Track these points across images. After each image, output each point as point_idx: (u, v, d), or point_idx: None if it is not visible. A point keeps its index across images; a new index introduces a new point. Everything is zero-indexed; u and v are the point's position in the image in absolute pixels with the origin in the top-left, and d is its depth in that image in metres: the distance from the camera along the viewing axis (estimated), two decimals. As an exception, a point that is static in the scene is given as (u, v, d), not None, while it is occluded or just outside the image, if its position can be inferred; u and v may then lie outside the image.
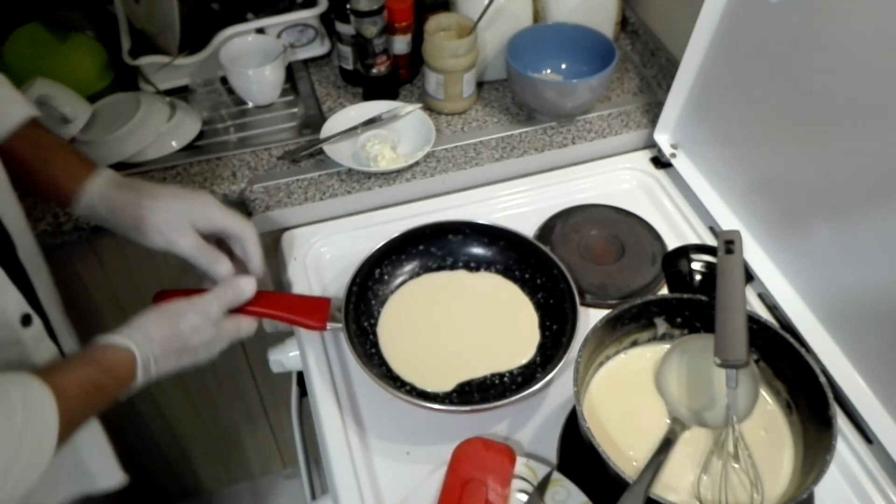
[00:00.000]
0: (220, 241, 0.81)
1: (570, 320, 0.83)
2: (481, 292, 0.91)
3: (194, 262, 0.78)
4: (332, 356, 0.86)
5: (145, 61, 1.12)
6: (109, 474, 0.88)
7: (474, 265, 0.93)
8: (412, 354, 0.84)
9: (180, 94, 1.16)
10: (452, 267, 0.93)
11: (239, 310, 0.78)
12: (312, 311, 0.82)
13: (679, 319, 0.77)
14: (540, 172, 1.08)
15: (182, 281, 1.16)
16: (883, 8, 0.67)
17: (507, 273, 0.92)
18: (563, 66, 1.15)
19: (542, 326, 0.86)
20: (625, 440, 0.72)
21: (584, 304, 0.91)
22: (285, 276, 0.96)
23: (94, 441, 0.86)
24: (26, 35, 1.14)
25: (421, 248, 0.93)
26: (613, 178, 1.08)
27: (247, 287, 0.78)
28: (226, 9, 1.21)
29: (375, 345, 0.86)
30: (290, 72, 1.21)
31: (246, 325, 0.78)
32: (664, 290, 0.90)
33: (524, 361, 0.83)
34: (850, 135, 0.75)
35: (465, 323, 0.88)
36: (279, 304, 0.81)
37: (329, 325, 0.81)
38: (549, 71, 1.15)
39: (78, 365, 0.66)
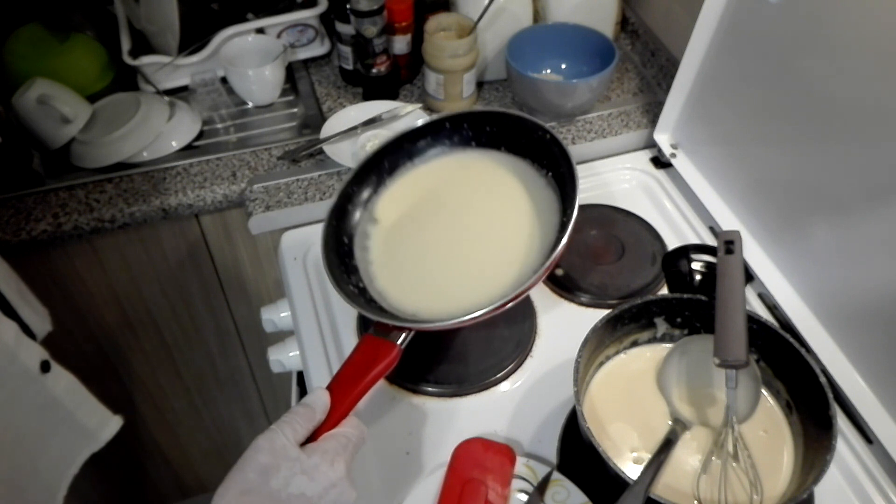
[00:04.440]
0: None
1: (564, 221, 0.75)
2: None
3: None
4: (332, 356, 0.86)
5: (145, 61, 1.12)
6: (107, 426, 0.92)
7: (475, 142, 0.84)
8: (405, 280, 0.77)
9: (180, 94, 1.16)
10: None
11: (326, 425, 0.62)
12: (377, 353, 0.67)
13: (679, 319, 0.77)
14: (540, 172, 1.08)
15: (182, 280, 1.16)
16: (883, 8, 0.67)
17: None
18: (563, 66, 1.15)
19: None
20: (625, 440, 0.72)
21: (583, 304, 0.91)
22: (285, 276, 0.96)
23: (84, 404, 0.90)
24: (26, 35, 1.14)
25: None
26: (613, 178, 1.08)
27: (314, 395, 0.62)
28: (226, 9, 1.21)
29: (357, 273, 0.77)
30: (290, 72, 1.21)
31: (348, 431, 0.61)
32: (664, 290, 0.90)
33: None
34: (850, 135, 0.75)
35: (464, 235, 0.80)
36: (354, 379, 0.64)
37: (398, 341, 0.68)
38: (549, 71, 1.15)
39: None
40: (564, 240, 0.70)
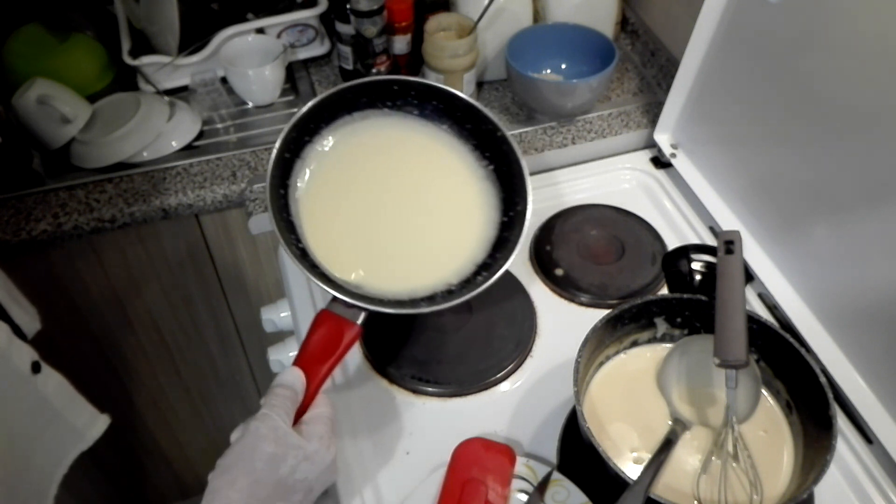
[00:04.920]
0: None
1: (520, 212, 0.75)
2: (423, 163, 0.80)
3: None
4: (332, 356, 0.86)
5: (145, 61, 1.12)
6: (94, 425, 0.92)
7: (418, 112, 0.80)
8: (338, 242, 0.74)
9: (180, 94, 1.16)
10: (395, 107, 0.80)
11: (303, 405, 0.64)
12: (338, 332, 0.67)
13: (679, 319, 0.77)
14: (540, 172, 1.08)
15: (182, 280, 1.16)
16: (883, 8, 0.67)
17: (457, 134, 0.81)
18: (563, 66, 1.15)
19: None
20: (625, 440, 0.72)
21: (583, 304, 0.91)
22: (285, 276, 0.96)
23: (73, 404, 0.90)
24: (26, 35, 1.14)
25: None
26: (613, 178, 1.08)
27: (291, 375, 0.63)
28: (226, 9, 1.21)
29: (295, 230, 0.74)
30: (290, 72, 1.21)
31: (326, 410, 0.64)
32: (664, 290, 0.90)
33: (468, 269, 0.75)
34: (850, 135, 0.75)
35: (401, 206, 0.77)
36: (320, 359, 0.66)
37: (359, 320, 0.68)
38: (549, 71, 1.15)
39: None
40: (521, 239, 0.73)
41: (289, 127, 0.73)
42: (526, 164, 0.76)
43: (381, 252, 0.76)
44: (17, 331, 0.83)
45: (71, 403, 0.89)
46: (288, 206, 0.74)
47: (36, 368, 0.83)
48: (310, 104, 0.75)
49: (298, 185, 0.76)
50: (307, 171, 0.77)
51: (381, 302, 0.71)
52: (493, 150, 0.79)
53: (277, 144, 0.72)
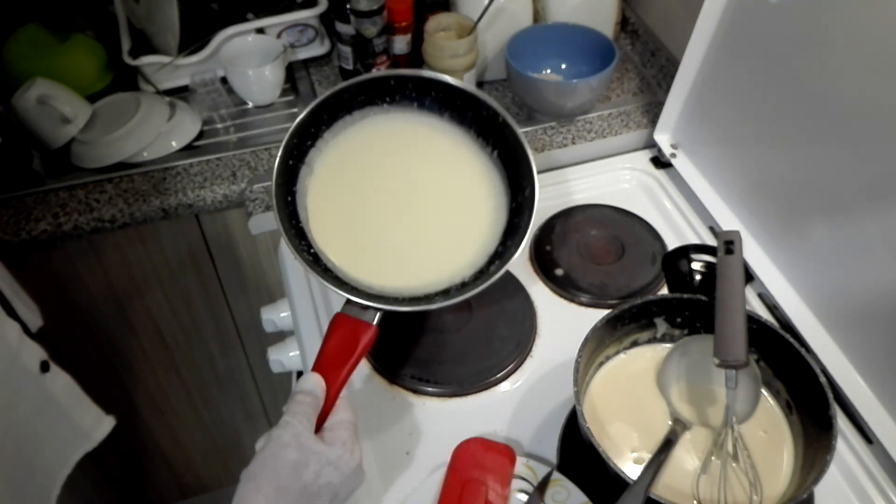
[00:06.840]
0: None
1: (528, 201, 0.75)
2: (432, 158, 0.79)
3: None
4: (332, 356, 0.86)
5: (145, 61, 1.12)
6: (100, 425, 0.93)
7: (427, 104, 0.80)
8: (349, 243, 0.74)
9: (180, 94, 1.16)
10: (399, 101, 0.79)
11: (324, 411, 0.64)
12: (355, 334, 0.67)
13: (679, 319, 0.77)
14: (540, 172, 1.08)
15: (182, 280, 1.16)
16: (883, 8, 0.67)
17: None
18: (563, 66, 1.15)
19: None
20: (625, 440, 0.72)
21: (583, 304, 0.91)
22: (285, 276, 0.96)
23: (79, 405, 0.91)
24: (26, 35, 1.14)
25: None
26: (613, 178, 1.08)
27: (310, 381, 0.64)
28: (226, 9, 1.21)
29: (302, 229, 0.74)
30: (290, 72, 1.21)
31: (348, 415, 0.64)
32: (664, 290, 0.90)
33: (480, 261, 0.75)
34: (849, 135, 0.75)
35: (410, 203, 0.77)
36: (339, 362, 0.65)
37: (374, 320, 0.68)
38: (549, 71, 1.15)
39: None
40: (531, 223, 0.72)
41: (289, 134, 0.73)
42: (529, 146, 0.76)
43: (393, 251, 0.76)
44: (25, 328, 0.83)
45: (78, 404, 0.89)
46: (297, 213, 0.74)
47: (45, 368, 0.83)
48: (308, 108, 0.75)
49: (306, 190, 0.76)
50: (313, 175, 0.77)
51: (395, 300, 0.71)
52: (495, 136, 0.79)
53: (280, 152, 0.72)
